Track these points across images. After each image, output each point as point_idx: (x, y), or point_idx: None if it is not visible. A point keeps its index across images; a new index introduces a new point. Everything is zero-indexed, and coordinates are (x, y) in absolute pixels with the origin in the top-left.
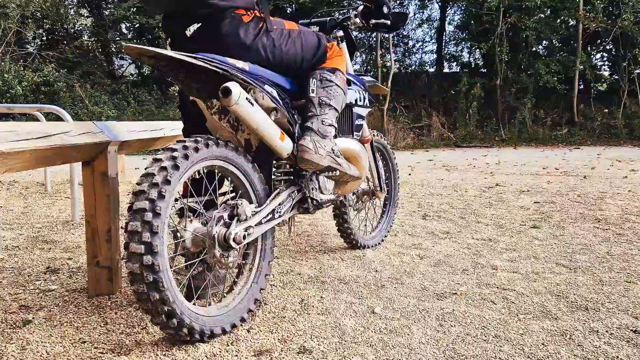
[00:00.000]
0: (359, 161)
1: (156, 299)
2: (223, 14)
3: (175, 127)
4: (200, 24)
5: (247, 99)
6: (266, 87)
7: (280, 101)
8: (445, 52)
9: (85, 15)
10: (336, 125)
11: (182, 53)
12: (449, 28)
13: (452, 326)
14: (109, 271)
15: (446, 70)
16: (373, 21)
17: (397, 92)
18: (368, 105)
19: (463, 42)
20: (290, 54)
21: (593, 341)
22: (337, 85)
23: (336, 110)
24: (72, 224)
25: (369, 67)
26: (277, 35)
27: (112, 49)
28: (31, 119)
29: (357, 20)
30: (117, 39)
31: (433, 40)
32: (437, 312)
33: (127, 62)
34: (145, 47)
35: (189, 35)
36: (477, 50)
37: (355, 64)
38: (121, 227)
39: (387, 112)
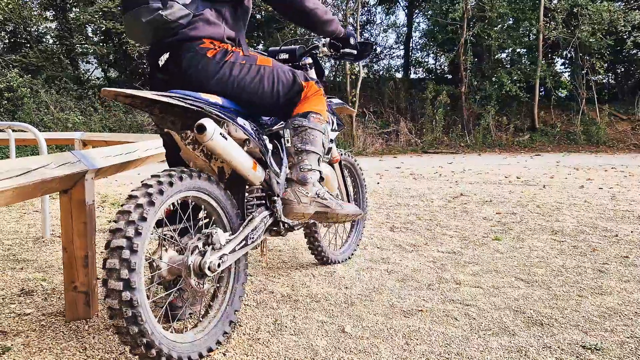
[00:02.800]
0: (328, 183)
1: (135, 332)
2: (188, 47)
3: (149, 147)
4: (168, 54)
5: (220, 134)
6: (239, 119)
7: (252, 132)
8: (412, 58)
9: (50, 18)
10: (319, 168)
11: (157, 92)
12: (416, 35)
13: (417, 344)
14: (86, 296)
15: (413, 76)
16: (340, 51)
17: (365, 98)
18: (336, 129)
19: (429, 49)
20: (257, 91)
21: (546, 357)
22: (312, 128)
23: (316, 152)
24: (43, 241)
25: (337, 73)
26: (244, 71)
27: (78, 52)
28: None
29: (325, 49)
30: (83, 43)
31: (401, 47)
32: (404, 330)
33: (93, 66)
34: (121, 90)
35: (160, 66)
36: (443, 57)
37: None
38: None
39: (355, 118)
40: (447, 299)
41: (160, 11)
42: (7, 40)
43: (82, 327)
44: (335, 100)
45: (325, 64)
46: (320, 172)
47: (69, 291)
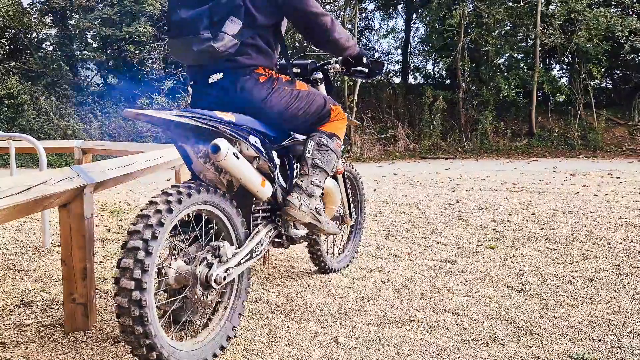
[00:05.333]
0: (332, 197)
1: (140, 332)
2: (244, 71)
3: (147, 159)
4: (222, 74)
5: (234, 153)
6: (250, 137)
7: (262, 150)
8: (410, 63)
9: (49, 24)
10: (324, 186)
11: (175, 113)
12: (414, 41)
13: (408, 355)
14: (84, 307)
15: (411, 81)
16: (352, 68)
17: (363, 103)
18: (342, 144)
19: (427, 54)
20: (294, 112)
21: None
22: (332, 150)
23: (326, 172)
24: (43, 251)
25: (335, 79)
26: (287, 95)
27: (77, 58)
28: None
29: (337, 66)
30: (83, 49)
31: (399, 52)
32: (396, 341)
33: (92, 72)
34: (142, 111)
35: (210, 82)
36: (441, 62)
37: None
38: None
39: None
40: (440, 308)
41: (211, 42)
42: (7, 47)
43: (81, 338)
44: None
45: None
46: (322, 188)
47: (68, 303)
